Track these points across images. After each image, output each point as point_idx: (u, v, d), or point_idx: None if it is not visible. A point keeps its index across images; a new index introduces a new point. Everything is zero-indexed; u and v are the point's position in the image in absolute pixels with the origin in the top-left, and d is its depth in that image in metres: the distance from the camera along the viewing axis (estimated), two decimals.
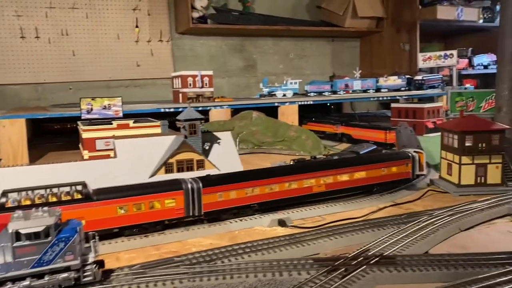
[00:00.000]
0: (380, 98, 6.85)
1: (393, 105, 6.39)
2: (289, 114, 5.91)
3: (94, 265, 1.80)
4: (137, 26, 7.59)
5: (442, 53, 6.62)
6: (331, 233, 2.36)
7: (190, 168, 2.88)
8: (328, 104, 7.95)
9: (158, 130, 3.64)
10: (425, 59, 6.74)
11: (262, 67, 8.73)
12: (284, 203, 2.81)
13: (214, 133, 3.14)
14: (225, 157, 3.05)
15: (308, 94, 6.55)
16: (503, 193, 3.00)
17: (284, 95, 6.32)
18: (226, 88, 8.37)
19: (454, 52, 6.55)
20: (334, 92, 6.70)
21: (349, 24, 8.32)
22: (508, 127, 3.20)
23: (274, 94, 6.35)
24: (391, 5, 8.54)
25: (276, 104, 5.89)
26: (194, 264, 2.01)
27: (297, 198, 2.83)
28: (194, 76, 5.67)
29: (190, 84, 5.66)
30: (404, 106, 6.18)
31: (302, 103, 6.01)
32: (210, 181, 2.54)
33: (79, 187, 2.29)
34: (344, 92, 6.74)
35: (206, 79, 5.71)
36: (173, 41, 7.89)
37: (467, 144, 3.08)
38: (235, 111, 5.80)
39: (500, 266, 1.91)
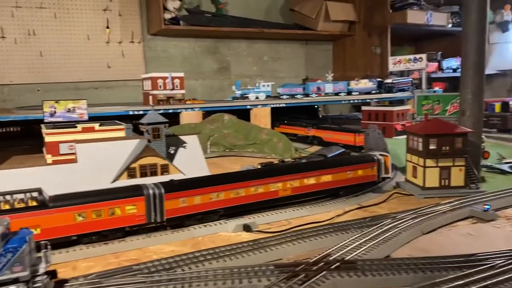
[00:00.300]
0: (351, 101, 6.92)
1: (363, 108, 6.47)
2: (262, 117, 5.91)
3: (45, 276, 1.72)
4: (107, 27, 7.45)
5: (412, 56, 6.74)
6: (294, 238, 2.35)
7: (153, 173, 2.82)
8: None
9: (123, 134, 3.56)
10: (395, 63, 6.84)
11: (236, 69, 8.70)
12: (250, 208, 2.78)
13: (180, 136, 3.08)
14: (191, 161, 3.00)
15: (281, 97, 6.56)
16: (466, 195, 3.05)
17: (257, 97, 6.31)
18: (199, 90, 8.31)
19: (424, 55, 6.68)
20: (307, 95, 6.73)
21: (322, 27, 8.38)
22: (470, 130, 3.27)
23: (247, 97, 6.33)
24: (363, 9, 8.65)
25: (248, 107, 5.87)
26: (153, 273, 1.96)
27: (263, 203, 2.80)
28: (164, 78, 5.60)
29: (160, 86, 5.58)
30: (374, 109, 6.26)
31: (275, 105, 6.01)
32: (173, 187, 2.48)
33: (35, 194, 2.20)
34: (316, 95, 6.78)
35: (177, 81, 5.65)
36: (145, 43, 7.77)
37: (431, 147, 3.12)
38: (208, 113, 5.75)
39: (458, 269, 1.93)
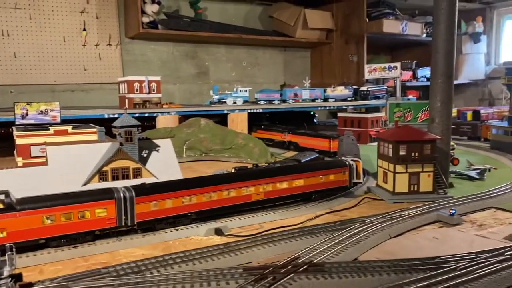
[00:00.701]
0: (328, 108, 7.01)
1: (339, 114, 6.57)
2: (239, 122, 5.93)
3: (10, 279, 1.70)
4: (84, 29, 7.36)
5: (387, 65, 6.89)
6: (265, 241, 2.37)
7: (126, 177, 2.80)
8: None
9: (96, 137, 3.53)
10: (371, 71, 6.98)
11: (215, 74, 8.72)
12: (223, 212, 2.79)
13: (153, 140, 3.08)
14: (164, 165, 2.99)
15: (258, 102, 6.61)
16: (434, 200, 3.14)
17: (234, 102, 6.34)
18: (177, 95, 8.29)
19: (398, 64, 6.84)
20: (284, 101, 6.79)
21: (300, 34, 8.48)
22: (439, 137, 3.36)
23: (225, 102, 6.35)
24: (340, 17, 8.80)
25: (225, 112, 5.89)
26: (121, 276, 1.95)
27: (236, 207, 2.82)
28: (141, 82, 5.58)
29: (136, 90, 5.55)
30: (349, 115, 6.36)
31: (252, 111, 6.05)
32: (144, 190, 2.48)
33: (1, 196, 2.17)
34: (293, 101, 6.85)
35: (153, 85, 5.63)
36: (123, 46, 7.71)
37: (401, 153, 3.20)
38: (185, 118, 5.74)
39: (422, 271, 1.99)
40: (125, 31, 7.62)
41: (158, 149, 3.04)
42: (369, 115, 6.11)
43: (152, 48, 8.05)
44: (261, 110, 6.20)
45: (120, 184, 2.62)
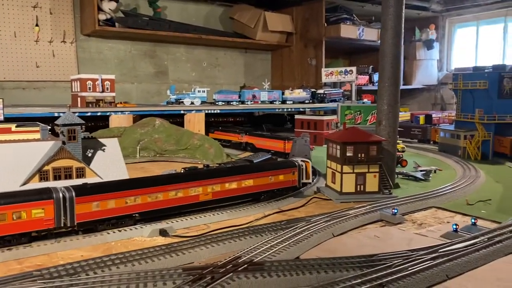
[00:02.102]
0: (285, 109, 7.09)
1: (296, 116, 6.66)
2: (196, 122, 5.89)
3: None
4: (37, 25, 7.09)
5: (343, 69, 7.04)
6: (209, 241, 2.36)
7: (68, 176, 2.72)
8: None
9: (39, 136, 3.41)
10: (328, 74, 7.11)
11: (174, 74, 8.62)
12: (169, 212, 2.75)
13: (99, 139, 3.00)
14: (110, 165, 2.92)
15: (216, 103, 6.59)
16: (379, 200, 3.22)
17: (192, 103, 6.29)
18: (135, 94, 8.13)
19: (354, 68, 7.00)
20: (242, 102, 6.81)
21: (260, 37, 8.53)
22: (384, 139, 3.47)
23: (182, 102, 6.29)
24: (299, 21, 8.92)
25: (182, 112, 5.84)
26: (54, 278, 1.88)
27: (182, 207, 2.79)
28: (94, 80, 5.44)
29: (89, 88, 5.41)
30: (306, 118, 6.46)
31: (209, 111, 6.02)
32: (85, 190, 2.41)
33: None
34: (252, 102, 6.88)
35: (107, 83, 5.50)
36: (78, 43, 7.49)
37: (348, 154, 3.27)
38: (141, 118, 5.64)
39: (358, 269, 2.04)
40: (80, 28, 7.41)
41: (104, 149, 2.96)
42: (325, 118, 6.23)
43: (109, 46, 7.86)
44: (218, 111, 6.18)
45: (62, 184, 2.53)
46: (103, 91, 5.46)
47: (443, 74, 10.35)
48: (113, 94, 5.54)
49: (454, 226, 2.58)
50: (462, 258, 2.18)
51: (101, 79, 5.45)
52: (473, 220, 2.69)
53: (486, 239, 2.41)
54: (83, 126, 2.74)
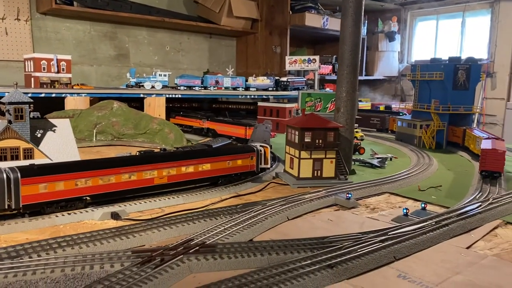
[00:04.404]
0: (248, 96, 7.07)
1: (259, 104, 6.65)
2: (156, 106, 5.78)
3: None
4: None
5: (306, 57, 7.07)
6: (161, 225, 2.32)
7: (15, 157, 2.60)
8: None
9: None
10: (291, 62, 7.13)
11: (136, 58, 8.41)
12: (122, 196, 2.69)
13: (50, 120, 2.88)
14: (61, 146, 2.82)
15: (178, 88, 6.48)
16: (335, 185, 3.28)
17: (153, 86, 6.15)
18: (94, 77, 7.88)
19: (317, 57, 7.05)
20: (205, 88, 6.73)
21: (225, 22, 8.43)
22: (341, 125, 3.52)
23: (142, 85, 6.14)
24: (265, 8, 8.88)
25: (141, 95, 5.70)
26: None
27: (136, 190, 2.73)
28: (49, 60, 5.21)
29: (44, 68, 5.18)
30: (268, 105, 6.47)
31: (170, 96, 5.91)
32: (31, 171, 2.31)
33: None
34: (215, 88, 6.81)
35: (63, 64, 5.29)
36: (33, 21, 7.15)
37: (306, 140, 3.30)
38: (98, 100, 5.46)
39: (309, 250, 2.06)
40: (36, 6, 7.07)
41: (55, 130, 2.85)
42: (287, 105, 6.25)
43: (67, 26, 7.55)
44: (180, 96, 6.08)
45: (8, 165, 2.41)
46: (58, 71, 5.24)
47: (404, 66, 10.62)
48: (69, 75, 5.34)
49: (405, 211, 2.66)
50: (410, 240, 2.24)
51: (57, 59, 5.23)
52: (422, 205, 2.78)
53: (434, 223, 2.49)
54: (32, 105, 2.61)
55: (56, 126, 2.86)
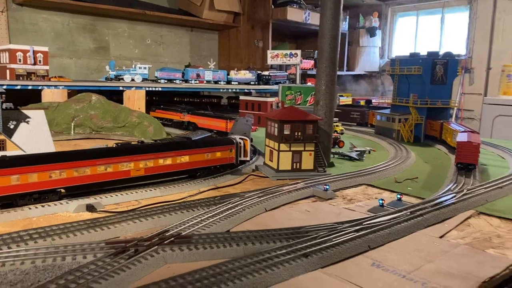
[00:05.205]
0: (230, 90, 7.05)
1: (241, 97, 6.64)
2: (136, 99, 5.71)
3: None
4: None
5: (288, 51, 7.08)
6: (137, 216, 2.30)
7: None
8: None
9: None
10: (273, 56, 7.13)
11: (116, 51, 8.30)
12: (98, 188, 2.65)
13: (24, 111, 2.82)
14: (35, 138, 2.76)
15: (159, 81, 6.42)
16: (313, 177, 3.29)
17: (133, 79, 6.08)
18: (73, 70, 7.75)
19: (298, 52, 7.06)
20: (186, 81, 6.68)
21: (207, 15, 8.38)
22: (320, 118, 3.53)
23: (122, 78, 6.06)
24: (247, 2, 8.85)
25: (121, 88, 5.63)
26: None
27: (112, 182, 2.70)
28: (25, 51, 5.10)
29: (20, 60, 5.07)
30: (250, 99, 6.46)
31: (150, 89, 5.85)
32: (3, 163, 2.26)
33: None
34: (197, 82, 6.77)
35: (40, 56, 5.18)
36: (10, 12, 6.98)
37: (285, 132, 3.31)
38: (77, 93, 5.36)
39: (285, 240, 2.07)
40: None
41: (29, 121, 2.79)
42: (269, 99, 6.25)
43: (45, 18, 7.40)
44: (160, 89, 6.03)
45: None
46: (35, 63, 5.13)
47: (385, 61, 10.74)
48: (46, 67, 5.23)
49: (380, 201, 2.69)
50: (384, 230, 2.27)
51: (33, 50, 5.12)
52: (398, 196, 2.82)
53: (409, 213, 2.53)
54: (3, 96, 2.55)
55: (30, 118, 2.80)
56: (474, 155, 3.62)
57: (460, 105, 9.37)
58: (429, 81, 5.29)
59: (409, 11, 10.43)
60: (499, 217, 2.64)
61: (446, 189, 3.11)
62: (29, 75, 5.12)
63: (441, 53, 5.72)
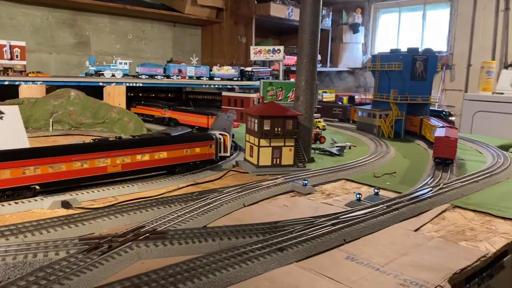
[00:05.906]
0: (212, 86, 7.02)
1: (224, 93, 6.62)
2: (116, 95, 5.65)
3: None
4: None
5: (271, 47, 7.08)
6: (113, 213, 2.27)
7: None
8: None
9: None
10: (256, 52, 7.12)
11: (97, 46, 8.18)
12: (73, 184, 2.62)
13: None
14: (9, 134, 2.71)
15: (140, 76, 6.35)
16: (293, 172, 3.30)
17: (113, 75, 6.00)
18: (53, 65, 7.62)
19: (281, 48, 7.07)
20: (168, 76, 6.63)
21: (189, 10, 8.32)
22: (300, 113, 3.54)
23: (102, 74, 5.98)
24: None
25: (101, 84, 5.55)
26: None
27: (88, 179, 2.67)
28: (1, 46, 4.99)
29: None
30: (233, 95, 6.44)
31: (130, 84, 5.79)
32: None
33: None
34: (178, 77, 6.72)
35: (17, 50, 5.08)
36: None
37: (265, 128, 3.31)
38: (55, 89, 5.28)
39: (261, 235, 2.07)
40: None
41: (2, 117, 2.74)
42: (251, 95, 6.24)
43: (23, 12, 7.25)
44: (141, 85, 5.97)
45: None
46: (12, 58, 5.03)
47: (367, 57, 10.81)
48: (24, 62, 5.13)
49: (358, 196, 2.71)
50: (360, 224, 2.29)
51: (10, 45, 5.01)
52: (375, 190, 2.85)
53: (385, 207, 2.55)
54: None
55: (3, 113, 2.75)
56: (451, 150, 3.68)
57: (441, 101, 9.50)
58: (409, 77, 5.35)
59: (392, 8, 10.53)
60: (473, 211, 2.69)
61: (423, 183, 3.15)
62: (5, 70, 5.01)
63: (422, 49, 5.79)
